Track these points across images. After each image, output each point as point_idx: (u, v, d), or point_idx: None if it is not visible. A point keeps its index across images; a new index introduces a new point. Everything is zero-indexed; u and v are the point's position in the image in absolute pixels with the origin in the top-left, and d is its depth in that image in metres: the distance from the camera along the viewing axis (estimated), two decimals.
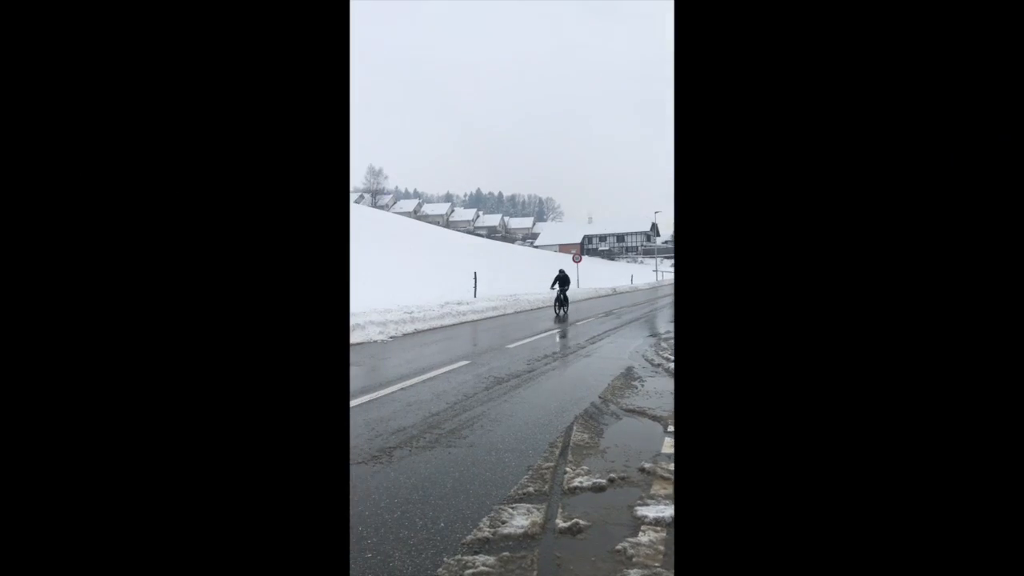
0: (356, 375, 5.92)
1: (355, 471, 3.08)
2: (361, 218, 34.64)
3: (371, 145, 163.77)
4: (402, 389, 5.18)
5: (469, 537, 2.33)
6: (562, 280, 15.08)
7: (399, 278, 18.32)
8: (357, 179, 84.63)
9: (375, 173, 79.22)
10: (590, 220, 78.24)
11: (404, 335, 9.49)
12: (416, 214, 74.92)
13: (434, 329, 10.47)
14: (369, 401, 4.70)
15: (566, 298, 15.13)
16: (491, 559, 2.14)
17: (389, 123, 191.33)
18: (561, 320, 12.87)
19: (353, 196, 75.97)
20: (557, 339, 9.20)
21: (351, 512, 2.55)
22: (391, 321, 9.91)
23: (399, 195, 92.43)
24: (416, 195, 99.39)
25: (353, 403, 4.59)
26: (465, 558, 2.15)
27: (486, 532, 2.36)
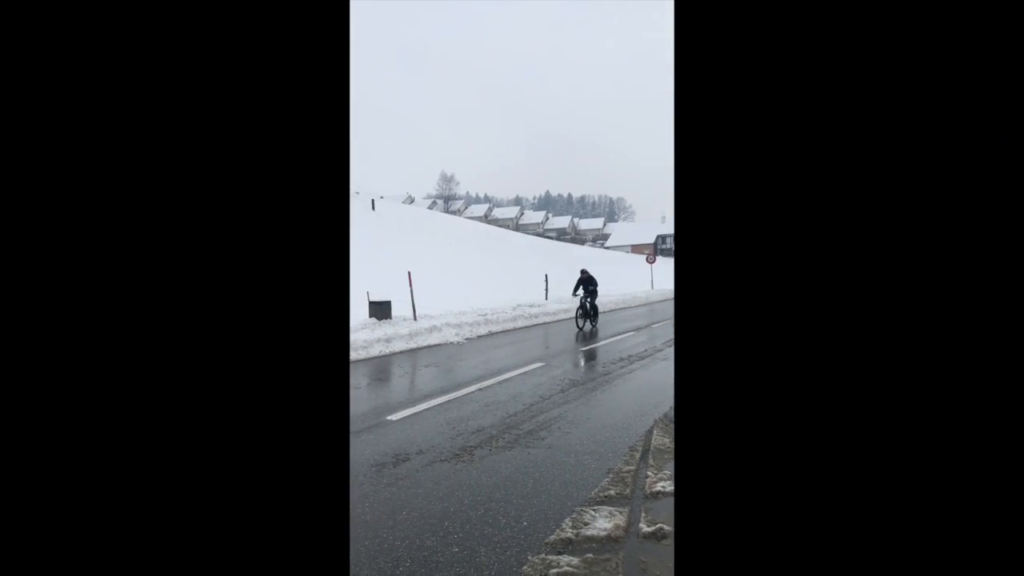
0: (434, 376, 6.11)
1: (438, 468, 3.20)
2: (435, 223, 35.70)
3: (442, 152, 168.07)
4: (479, 390, 5.30)
5: (552, 537, 2.35)
6: (586, 283, 11.40)
7: (472, 281, 18.69)
8: (430, 186, 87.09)
9: (447, 179, 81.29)
10: (663, 219, 75.89)
11: (478, 337, 9.67)
12: (487, 218, 76.10)
13: (507, 331, 10.59)
14: (448, 401, 4.84)
15: (594, 308, 11.46)
16: (575, 560, 2.15)
17: (458, 129, 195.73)
18: (588, 337, 9.75)
19: (427, 202, 78.34)
20: (633, 342, 9.04)
21: (437, 507, 2.65)
22: (466, 323, 10.14)
23: (470, 200, 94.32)
24: (486, 200, 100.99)
25: (433, 403, 4.75)
26: (549, 557, 2.18)
27: (569, 533, 2.38)
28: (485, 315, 11.28)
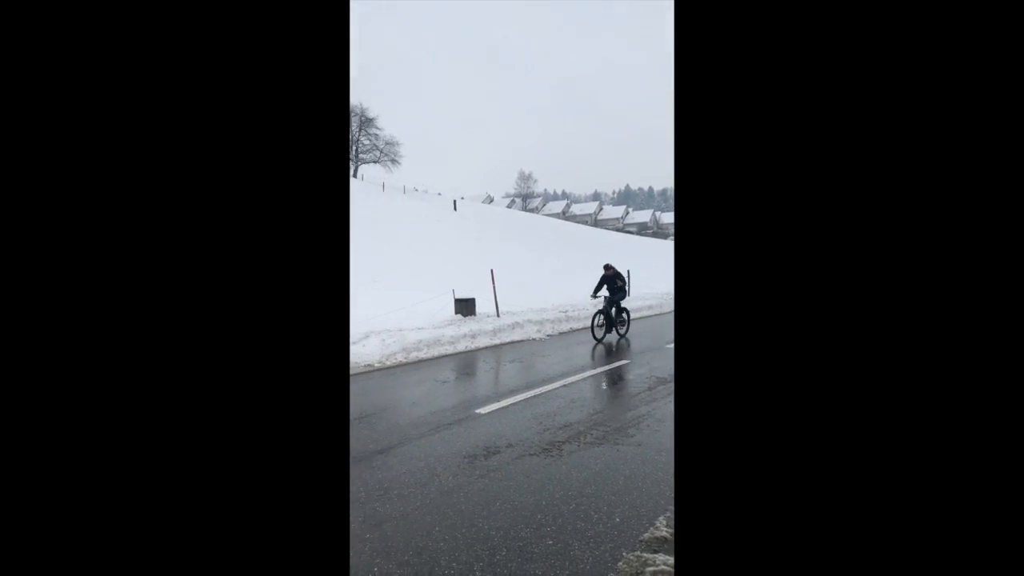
0: (519, 371, 6.19)
1: (528, 462, 3.25)
2: (513, 221, 36.07)
3: (520, 150, 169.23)
4: (564, 386, 5.31)
5: (646, 535, 2.32)
6: (610, 282, 8.99)
7: (552, 278, 18.71)
8: (508, 184, 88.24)
9: (525, 178, 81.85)
10: None
11: (560, 333, 9.68)
12: (564, 215, 75.83)
13: (588, 328, 10.51)
14: (534, 396, 4.90)
15: (621, 312, 9.05)
16: (671, 559, 2.11)
17: (536, 127, 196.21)
18: (613, 350, 7.55)
19: (505, 201, 79.25)
20: None
21: (529, 500, 2.70)
22: (547, 320, 10.18)
23: (548, 197, 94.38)
24: (564, 196, 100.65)
25: (519, 397, 4.82)
26: (645, 555, 2.16)
27: (664, 532, 2.34)
28: (566, 311, 11.26)
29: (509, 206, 71.30)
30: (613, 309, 8.89)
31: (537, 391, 5.09)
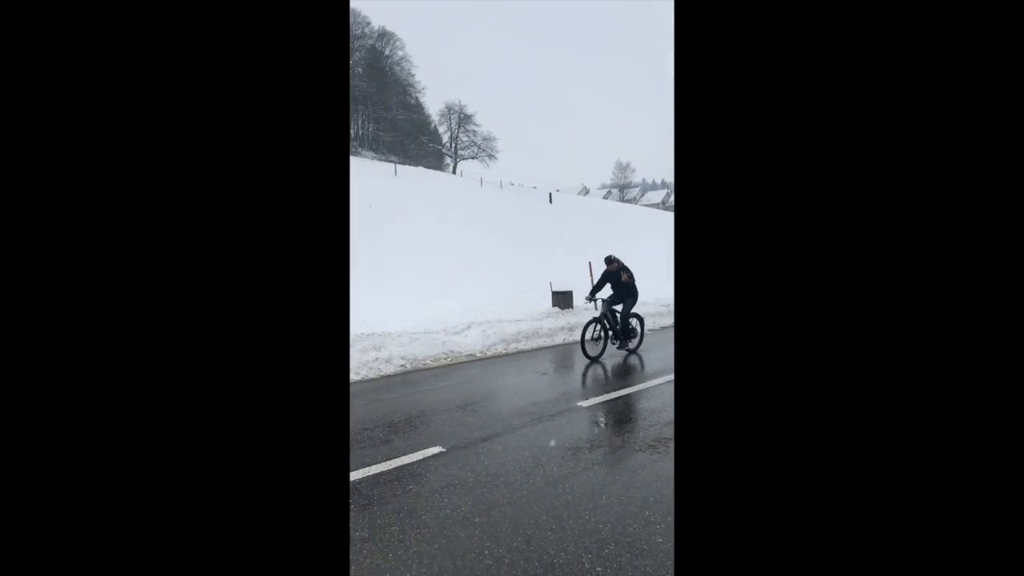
0: (619, 365, 6.09)
1: (634, 457, 3.19)
2: (610, 213, 35.44)
3: (617, 141, 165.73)
4: (668, 383, 5.14)
5: None
6: (613, 277, 6.56)
7: (651, 271, 18.15)
8: (605, 176, 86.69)
9: (622, 168, 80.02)
10: None
11: (661, 328, 9.38)
12: (664, 205, 73.12)
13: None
14: (637, 391, 4.80)
15: (627, 320, 6.52)
16: None
17: (633, 115, 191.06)
18: (612, 373, 5.52)
19: (601, 192, 78.03)
20: None
21: (636, 495, 2.66)
22: (647, 314, 9.89)
23: (646, 187, 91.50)
24: (663, 185, 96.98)
25: (621, 392, 4.75)
26: None
27: None
28: (668, 305, 10.89)
29: (605, 197, 70.08)
30: (618, 315, 6.50)
31: (640, 386, 4.98)
